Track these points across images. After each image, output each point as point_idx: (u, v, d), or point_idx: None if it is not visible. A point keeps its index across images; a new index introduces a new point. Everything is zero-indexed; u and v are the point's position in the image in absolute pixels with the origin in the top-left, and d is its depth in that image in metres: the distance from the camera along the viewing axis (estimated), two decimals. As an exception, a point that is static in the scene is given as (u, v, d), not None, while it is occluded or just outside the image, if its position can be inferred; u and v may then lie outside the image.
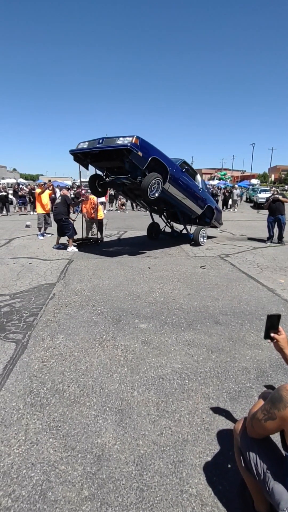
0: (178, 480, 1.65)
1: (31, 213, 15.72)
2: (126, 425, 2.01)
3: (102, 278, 5.19)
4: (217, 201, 20.47)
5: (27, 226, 10.92)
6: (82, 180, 8.82)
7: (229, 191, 20.01)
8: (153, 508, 1.50)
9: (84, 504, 1.52)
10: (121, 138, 5.57)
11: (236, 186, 22.31)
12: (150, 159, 5.73)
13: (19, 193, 17.69)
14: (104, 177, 6.77)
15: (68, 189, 16.40)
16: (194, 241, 7.99)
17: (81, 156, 6.56)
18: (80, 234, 8.53)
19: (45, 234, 9.08)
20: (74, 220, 8.15)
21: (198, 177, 8.14)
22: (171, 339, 3.16)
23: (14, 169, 77.68)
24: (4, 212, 15.89)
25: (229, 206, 19.55)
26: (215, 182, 37.20)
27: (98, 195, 7.60)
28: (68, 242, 7.48)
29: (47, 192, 8.95)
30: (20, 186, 20.94)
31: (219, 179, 42.25)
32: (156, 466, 1.73)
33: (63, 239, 7.73)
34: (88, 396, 2.29)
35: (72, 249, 7.38)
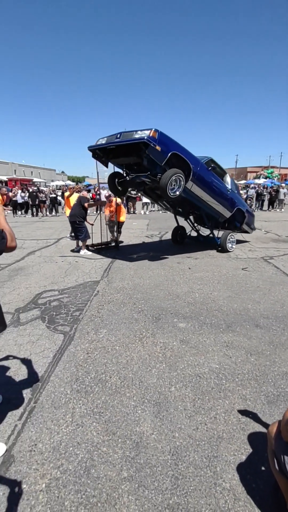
0: (212, 473, 1.72)
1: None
2: (163, 417, 2.12)
3: (143, 277, 5.35)
4: (262, 201, 19.70)
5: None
6: (100, 181, 8.28)
7: (276, 190, 19.08)
8: (187, 496, 1.59)
9: (123, 484, 1.66)
10: (139, 132, 5.28)
11: (283, 185, 21.14)
12: (170, 154, 5.36)
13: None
14: (124, 175, 6.59)
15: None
16: (221, 247, 7.41)
17: (100, 153, 6.32)
18: (97, 238, 8.11)
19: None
20: (92, 224, 7.75)
21: (228, 177, 7.60)
22: (209, 339, 3.20)
23: (63, 172, 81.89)
24: (54, 213, 16.93)
25: (275, 206, 18.67)
26: (261, 180, 35.61)
27: (118, 194, 7.36)
28: (82, 246, 7.39)
29: (76, 195, 8.62)
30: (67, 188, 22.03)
31: (266, 178, 40.36)
32: (191, 458, 1.81)
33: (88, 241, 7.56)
34: (128, 388, 2.44)
35: (85, 252, 7.29)
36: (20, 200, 17.15)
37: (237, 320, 3.65)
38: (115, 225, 8.24)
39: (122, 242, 8.59)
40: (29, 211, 17.30)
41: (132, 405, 2.25)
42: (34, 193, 16.96)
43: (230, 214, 7.53)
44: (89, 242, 7.72)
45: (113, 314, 3.84)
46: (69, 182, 46.21)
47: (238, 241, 8.53)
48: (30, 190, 18.77)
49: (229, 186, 7.45)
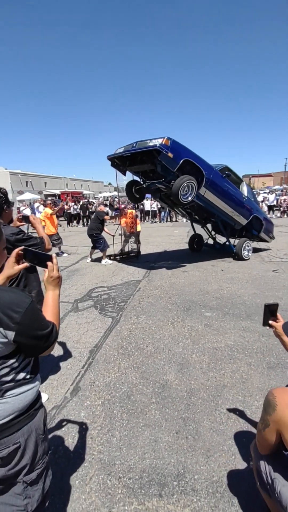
0: (214, 404, 2.43)
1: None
2: (184, 372, 2.88)
3: (179, 277, 6.11)
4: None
5: (120, 234, 12.68)
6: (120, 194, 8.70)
7: None
8: (195, 414, 2.33)
9: (152, 405, 2.45)
10: (153, 140, 5.60)
11: None
12: (182, 161, 5.64)
13: (115, 206, 20.15)
14: (141, 182, 6.98)
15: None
16: (236, 255, 7.45)
17: (118, 162, 6.70)
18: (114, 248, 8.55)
19: (60, 253, 8.94)
20: (113, 235, 8.46)
21: (244, 186, 7.72)
22: (229, 325, 3.86)
23: (110, 183, 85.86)
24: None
25: None
26: (312, 184, 33.97)
27: (135, 201, 7.75)
28: (102, 256, 7.80)
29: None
30: (115, 199, 23.65)
31: None
32: (201, 395, 2.54)
33: (99, 254, 8.03)
34: (159, 354, 3.23)
35: (106, 261, 7.71)
36: (73, 212, 19.00)
37: (257, 311, 4.23)
38: (131, 236, 8.74)
39: (140, 252, 8.61)
40: (81, 221, 19.06)
41: (162, 364, 3.04)
42: (85, 205, 18.69)
43: (246, 222, 7.63)
44: (110, 252, 8.23)
45: (151, 305, 4.66)
46: (115, 193, 48.54)
47: (264, 250, 8.84)
48: (81, 202, 20.65)
49: (245, 194, 7.53)
